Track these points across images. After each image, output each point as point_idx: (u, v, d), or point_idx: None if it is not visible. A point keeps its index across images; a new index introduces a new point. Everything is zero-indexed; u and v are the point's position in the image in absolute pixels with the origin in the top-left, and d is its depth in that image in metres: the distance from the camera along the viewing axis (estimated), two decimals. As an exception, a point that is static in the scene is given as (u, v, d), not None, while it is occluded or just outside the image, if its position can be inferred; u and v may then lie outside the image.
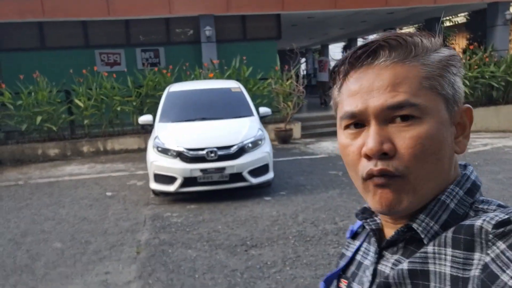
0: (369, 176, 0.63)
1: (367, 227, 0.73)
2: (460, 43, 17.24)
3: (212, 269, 3.82)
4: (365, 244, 0.77)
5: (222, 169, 5.64)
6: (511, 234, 0.54)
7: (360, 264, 0.75)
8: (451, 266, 0.58)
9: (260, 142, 6.03)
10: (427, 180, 0.62)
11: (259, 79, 10.50)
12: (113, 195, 6.37)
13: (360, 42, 10.70)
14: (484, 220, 0.58)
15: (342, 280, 0.77)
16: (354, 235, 0.83)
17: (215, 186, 5.71)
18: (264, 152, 5.95)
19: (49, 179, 7.61)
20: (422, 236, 0.63)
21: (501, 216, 0.57)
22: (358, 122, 0.65)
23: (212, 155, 5.63)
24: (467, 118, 0.67)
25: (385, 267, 0.67)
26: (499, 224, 0.56)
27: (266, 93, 10.36)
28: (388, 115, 0.62)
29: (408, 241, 0.66)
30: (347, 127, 0.66)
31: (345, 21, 15.32)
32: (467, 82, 10.72)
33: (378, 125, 0.62)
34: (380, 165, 0.61)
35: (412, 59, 0.62)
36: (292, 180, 6.68)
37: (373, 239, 0.73)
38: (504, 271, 0.52)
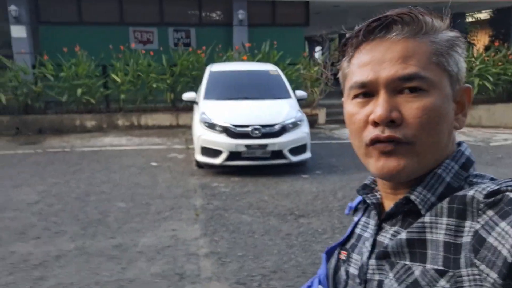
0: (373, 142, 0.66)
1: (368, 201, 0.77)
2: (482, 39, 17.40)
3: (268, 232, 4.24)
4: (364, 218, 0.80)
5: (265, 146, 6.04)
6: (500, 204, 0.57)
7: (359, 236, 0.78)
8: (445, 234, 0.61)
9: (299, 123, 6.42)
10: (430, 149, 0.65)
11: (288, 64, 10.82)
12: (158, 165, 6.79)
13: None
14: (476, 190, 0.61)
15: (342, 251, 0.80)
16: (354, 212, 0.88)
17: (258, 162, 6.13)
18: (303, 133, 6.35)
19: (92, 148, 8.05)
20: (420, 207, 0.66)
21: (492, 186, 0.60)
22: (367, 92, 0.67)
23: (257, 132, 6.03)
24: (466, 98, 0.70)
25: (384, 237, 0.71)
26: (490, 194, 0.59)
27: (294, 78, 10.67)
28: (398, 86, 0.64)
29: (406, 213, 0.68)
30: (355, 96, 0.69)
31: (369, 12, 15.46)
32: (490, 77, 11.00)
33: (387, 94, 0.65)
34: (387, 132, 0.64)
35: (422, 36, 0.66)
36: (324, 161, 7.07)
37: (373, 212, 0.76)
38: (489, 234, 0.56)
